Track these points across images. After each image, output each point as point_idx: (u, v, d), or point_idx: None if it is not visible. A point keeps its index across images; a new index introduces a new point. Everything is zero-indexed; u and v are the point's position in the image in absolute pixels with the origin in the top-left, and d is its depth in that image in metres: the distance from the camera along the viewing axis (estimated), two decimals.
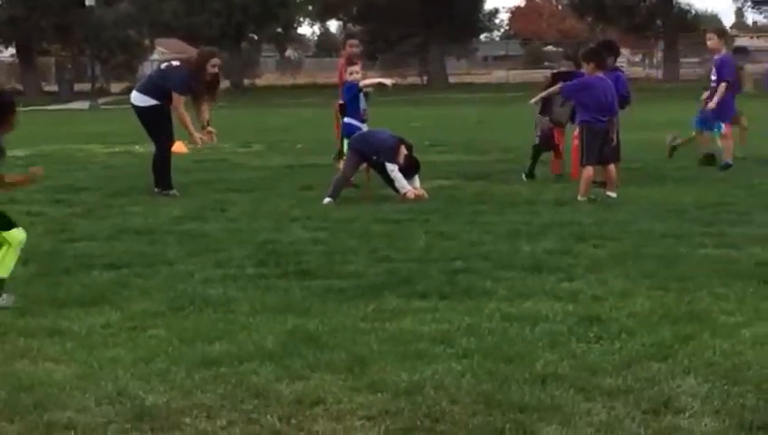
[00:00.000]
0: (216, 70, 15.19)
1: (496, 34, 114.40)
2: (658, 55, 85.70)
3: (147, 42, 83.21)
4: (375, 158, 14.21)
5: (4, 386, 6.14)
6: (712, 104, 16.89)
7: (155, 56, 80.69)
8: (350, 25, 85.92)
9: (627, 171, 15.34)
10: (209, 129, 15.40)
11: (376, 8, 79.76)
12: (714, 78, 17.18)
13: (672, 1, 79.41)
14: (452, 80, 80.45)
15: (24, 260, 9.24)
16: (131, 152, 22.69)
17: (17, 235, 8.38)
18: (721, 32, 18.78)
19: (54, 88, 76.27)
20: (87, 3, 64.37)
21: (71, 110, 54.52)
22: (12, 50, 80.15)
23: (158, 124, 15.13)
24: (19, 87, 74.61)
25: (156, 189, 14.99)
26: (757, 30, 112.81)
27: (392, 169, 13.93)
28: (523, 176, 16.21)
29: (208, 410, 5.72)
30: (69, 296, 8.40)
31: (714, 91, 17.08)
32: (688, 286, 8.41)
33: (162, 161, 15.13)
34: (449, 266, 9.38)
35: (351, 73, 15.11)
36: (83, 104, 57.97)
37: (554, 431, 5.34)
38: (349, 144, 14.63)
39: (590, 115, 13.60)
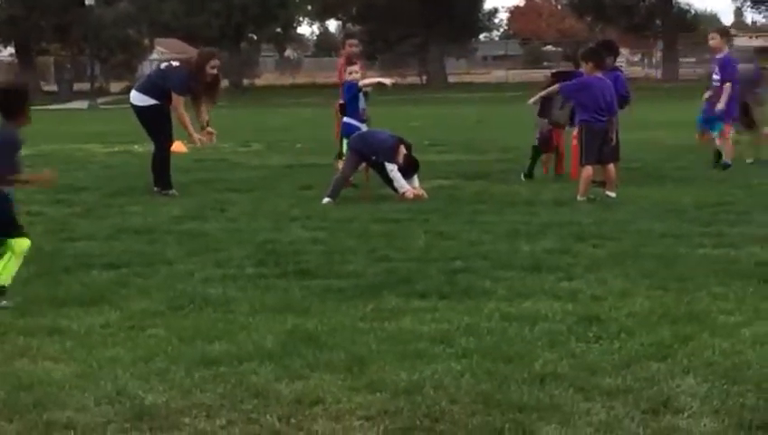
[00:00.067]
0: (215, 71, 15.18)
1: (496, 34, 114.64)
2: (658, 55, 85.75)
3: (146, 41, 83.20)
4: (374, 158, 14.21)
5: (4, 385, 6.14)
6: (721, 105, 16.89)
7: (154, 56, 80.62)
8: (349, 25, 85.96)
9: (626, 171, 15.35)
10: (209, 129, 15.40)
11: (375, 8, 79.82)
12: (716, 78, 17.17)
13: (671, 1, 79.46)
14: (451, 79, 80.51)
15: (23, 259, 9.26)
16: (131, 152, 22.69)
17: (23, 243, 8.37)
18: (723, 31, 18.77)
19: (54, 88, 76.30)
20: (86, 2, 64.44)
21: (70, 109, 54.54)
22: (11, 49, 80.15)
23: (157, 124, 15.13)
24: None
25: (155, 189, 14.99)
26: (756, 30, 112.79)
27: (391, 168, 13.93)
28: (522, 176, 16.21)
29: (208, 409, 5.72)
30: (68, 296, 8.40)
31: (716, 90, 17.08)
32: (688, 286, 8.41)
33: (161, 161, 15.13)
34: (448, 266, 9.38)
35: (351, 73, 15.12)
36: (83, 104, 58.01)
37: (553, 431, 5.34)
38: (348, 144, 14.63)
39: (590, 115, 13.60)
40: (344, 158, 14.69)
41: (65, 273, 9.33)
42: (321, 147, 21.21)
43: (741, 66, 17.57)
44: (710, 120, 17.35)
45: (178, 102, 14.97)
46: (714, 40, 17.67)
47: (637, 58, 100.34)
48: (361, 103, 15.12)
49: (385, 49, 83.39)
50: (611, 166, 13.80)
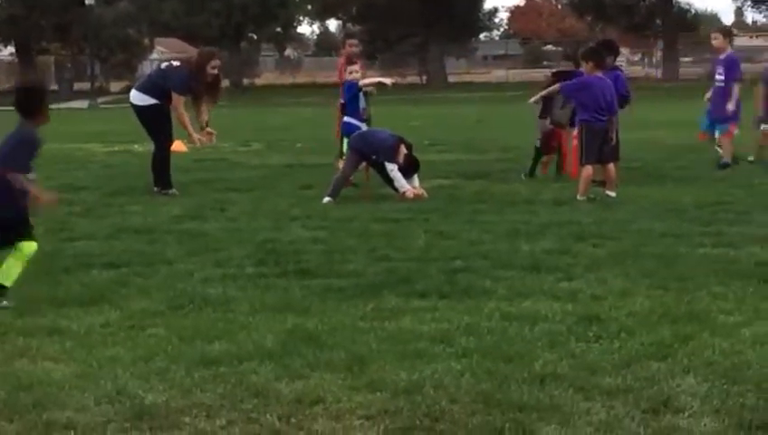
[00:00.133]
0: (215, 71, 15.18)
1: (496, 34, 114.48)
2: (658, 55, 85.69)
3: (146, 41, 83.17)
4: (375, 157, 14.21)
5: (4, 385, 6.13)
6: (731, 106, 16.90)
7: (154, 55, 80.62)
8: (349, 25, 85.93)
9: (626, 171, 15.34)
10: (208, 129, 15.40)
11: (375, 8, 79.79)
12: (721, 77, 17.16)
13: (672, 0, 79.41)
14: (451, 79, 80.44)
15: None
16: (131, 151, 22.69)
17: (29, 246, 8.35)
18: (726, 31, 18.74)
19: (54, 87, 76.12)
20: (86, 2, 64.42)
21: (70, 109, 54.49)
22: (11, 49, 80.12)
23: (157, 123, 15.12)
24: None
25: (155, 188, 14.99)
26: (757, 29, 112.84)
27: (392, 168, 13.92)
28: (523, 176, 16.21)
29: (208, 409, 5.72)
30: (68, 295, 8.39)
31: (720, 90, 17.08)
32: (688, 286, 8.41)
33: (161, 160, 15.13)
34: (448, 266, 9.38)
35: (351, 73, 15.12)
36: (83, 103, 57.98)
37: (553, 431, 5.34)
38: (348, 143, 14.63)
39: (590, 114, 13.59)
40: (344, 157, 14.69)
41: (65, 272, 9.33)
42: (322, 146, 21.20)
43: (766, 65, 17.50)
44: (718, 121, 17.28)
45: (178, 102, 14.97)
46: (716, 40, 17.67)
47: (637, 58, 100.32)
48: (361, 103, 15.12)
49: (385, 49, 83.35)
50: (611, 165, 13.80)
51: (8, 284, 8.22)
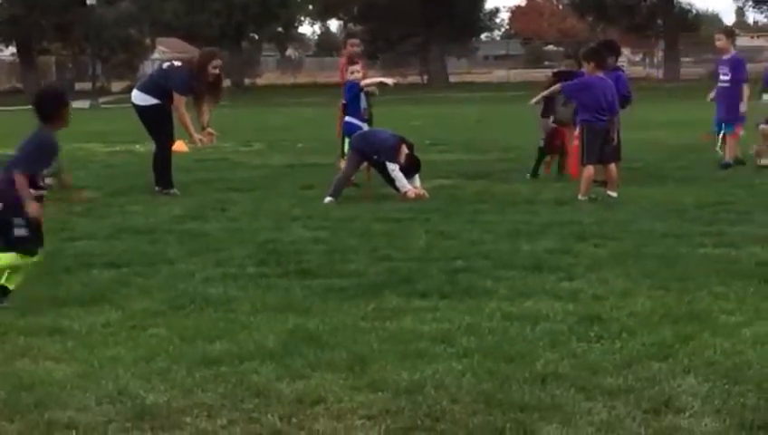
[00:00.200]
0: (217, 71, 15.19)
1: (497, 34, 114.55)
2: (659, 55, 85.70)
3: (147, 41, 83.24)
4: (376, 157, 14.22)
5: (5, 385, 6.14)
6: (743, 106, 16.91)
7: (156, 55, 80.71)
8: (350, 25, 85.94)
9: (627, 171, 15.34)
10: (209, 130, 15.40)
11: (376, 7, 79.83)
12: (726, 78, 17.16)
13: (673, 0, 79.42)
14: (452, 79, 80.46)
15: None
16: (132, 151, 22.70)
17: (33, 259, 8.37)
18: (729, 32, 18.74)
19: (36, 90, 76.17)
20: (88, 1, 64.46)
21: (71, 108, 54.48)
22: (12, 49, 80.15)
23: (158, 123, 15.13)
24: (19, 86, 74.64)
25: (156, 188, 14.99)
26: (758, 29, 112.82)
27: (393, 168, 13.93)
28: (528, 175, 16.20)
29: (209, 409, 5.72)
30: (69, 295, 8.40)
31: (725, 91, 17.08)
32: (689, 286, 8.41)
33: (163, 160, 15.14)
34: (450, 266, 9.38)
35: (352, 73, 15.12)
36: (84, 103, 57.96)
37: (555, 431, 5.34)
38: (349, 143, 14.63)
39: (591, 115, 13.59)
40: (346, 157, 14.70)
41: (66, 272, 9.33)
42: (323, 146, 21.22)
43: None
44: (725, 121, 17.26)
45: (180, 102, 14.98)
46: (720, 41, 17.68)
47: (638, 58, 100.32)
48: (363, 103, 15.12)
49: (386, 48, 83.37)
50: (613, 166, 13.79)
51: (12, 286, 8.22)
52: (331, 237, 11.07)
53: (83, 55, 79.23)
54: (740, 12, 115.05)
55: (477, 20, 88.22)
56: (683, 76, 71.21)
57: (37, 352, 6.87)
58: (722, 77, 17.35)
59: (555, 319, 7.45)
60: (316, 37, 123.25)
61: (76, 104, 57.77)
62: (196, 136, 15.25)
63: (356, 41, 16.76)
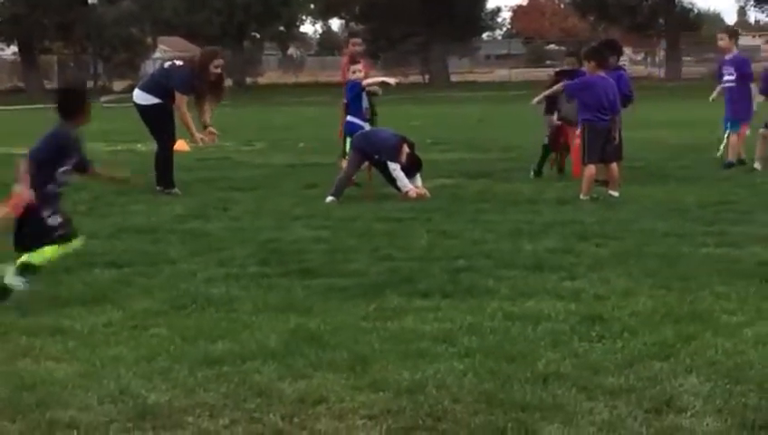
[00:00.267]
0: (219, 70, 15.21)
1: (498, 33, 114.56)
2: (661, 54, 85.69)
3: (149, 40, 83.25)
4: (377, 157, 14.22)
5: (7, 385, 6.14)
6: (754, 105, 16.92)
7: (157, 54, 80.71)
8: (352, 24, 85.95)
9: (629, 170, 15.34)
10: (211, 129, 15.40)
11: (378, 7, 79.82)
12: (731, 78, 17.16)
13: (674, 0, 79.39)
14: (454, 78, 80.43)
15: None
16: (133, 150, 22.68)
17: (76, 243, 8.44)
18: (732, 32, 18.74)
19: (56, 86, 76.26)
20: (89, 1, 64.47)
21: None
22: (14, 48, 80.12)
23: (160, 123, 15.13)
24: (21, 85, 74.64)
25: (158, 188, 14.99)
26: (760, 29, 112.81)
27: (394, 167, 13.93)
28: (531, 173, 16.19)
29: (211, 408, 5.72)
30: (71, 295, 8.41)
31: (732, 90, 17.08)
32: (690, 286, 8.41)
33: (164, 160, 15.14)
34: (451, 265, 9.38)
35: (354, 72, 15.12)
36: None
37: (556, 430, 5.34)
38: (351, 143, 14.63)
39: (592, 114, 13.59)
40: (347, 157, 14.70)
41: (67, 272, 9.32)
42: (324, 146, 21.20)
43: None
44: (732, 121, 17.24)
45: (181, 101, 14.99)
46: (722, 41, 17.68)
47: (640, 57, 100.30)
48: (364, 102, 15.11)
49: (388, 48, 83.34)
50: (614, 165, 13.79)
51: (37, 262, 8.24)
52: (333, 237, 11.07)
53: (85, 54, 79.30)
54: (741, 11, 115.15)
55: (479, 19, 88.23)
56: (684, 75, 71.22)
57: (39, 352, 6.87)
58: (727, 77, 17.35)
59: (557, 319, 7.45)
60: (318, 36, 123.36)
61: None
62: (198, 135, 15.25)
63: (358, 40, 16.76)
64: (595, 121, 13.58)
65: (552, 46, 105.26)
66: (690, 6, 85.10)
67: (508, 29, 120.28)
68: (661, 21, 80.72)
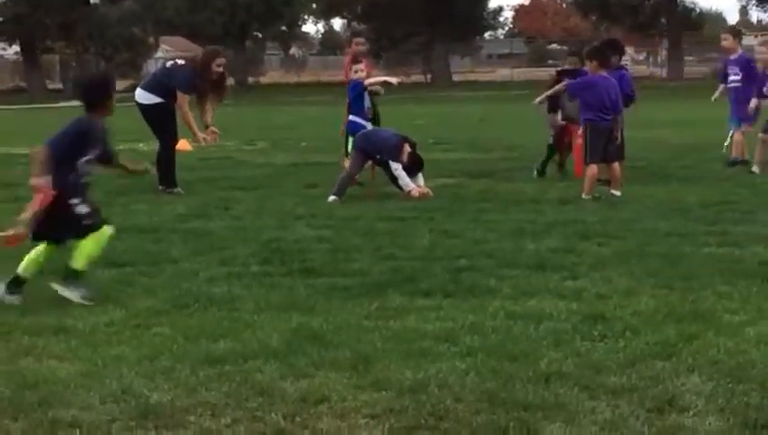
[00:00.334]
0: (221, 69, 15.21)
1: (500, 32, 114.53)
2: (663, 54, 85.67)
3: (151, 39, 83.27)
4: (379, 157, 14.22)
5: (9, 384, 6.14)
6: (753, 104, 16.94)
7: (159, 54, 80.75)
8: (354, 24, 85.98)
9: (631, 170, 15.34)
10: (213, 128, 15.41)
11: (380, 6, 79.82)
12: (737, 77, 17.16)
13: None
14: (456, 78, 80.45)
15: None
16: (135, 150, 22.66)
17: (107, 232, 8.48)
18: (736, 32, 18.75)
19: (59, 86, 76.31)
20: (91, 0, 64.44)
21: (75, 107, 54.46)
22: (16, 47, 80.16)
23: (162, 122, 15.14)
24: (23, 85, 74.66)
25: (160, 187, 14.99)
26: (762, 28, 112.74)
27: (396, 167, 13.94)
28: (535, 173, 16.18)
29: (213, 408, 5.73)
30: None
31: (739, 90, 17.08)
32: (693, 285, 8.41)
33: (166, 159, 15.14)
34: (453, 265, 9.38)
35: (356, 72, 15.12)
36: None
37: (558, 430, 5.34)
38: (353, 143, 14.64)
39: (594, 114, 13.60)
40: (349, 156, 14.71)
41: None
42: (327, 145, 21.23)
43: None
44: (739, 120, 17.24)
45: (183, 101, 15.00)
46: (726, 41, 17.69)
47: (642, 57, 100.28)
48: (366, 102, 15.11)
49: (390, 47, 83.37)
50: (616, 164, 13.79)
51: (80, 266, 8.28)
52: (335, 236, 11.07)
53: (87, 54, 79.23)
54: (743, 11, 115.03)
55: (481, 18, 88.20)
56: (687, 75, 71.20)
57: (41, 351, 6.87)
58: (732, 77, 17.35)
59: (559, 318, 7.45)
60: (320, 36, 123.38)
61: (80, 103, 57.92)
62: (200, 134, 15.26)
63: (361, 40, 16.77)
64: (597, 121, 13.58)
65: (554, 46, 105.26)
66: (692, 6, 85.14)
67: (510, 28, 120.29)
68: (663, 20, 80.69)
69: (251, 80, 79.93)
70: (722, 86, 18.09)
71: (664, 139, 22.81)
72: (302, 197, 14.33)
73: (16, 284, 8.30)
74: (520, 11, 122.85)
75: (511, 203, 13.36)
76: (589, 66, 13.85)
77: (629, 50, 77.24)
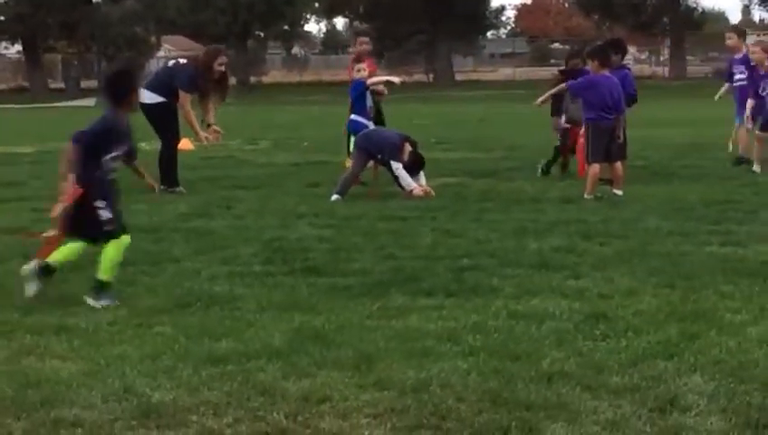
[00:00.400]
0: (223, 68, 15.22)
1: (503, 32, 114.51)
2: (665, 53, 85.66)
3: (153, 39, 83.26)
4: (380, 156, 14.22)
5: (12, 383, 6.14)
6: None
7: (161, 53, 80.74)
8: (356, 23, 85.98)
9: (633, 169, 15.34)
10: (215, 127, 15.41)
11: (382, 6, 79.80)
12: (742, 76, 17.17)
13: None
14: (458, 77, 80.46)
15: (30, 257, 9.28)
16: (138, 149, 22.67)
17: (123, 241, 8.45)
18: (740, 31, 18.76)
19: (61, 85, 76.38)
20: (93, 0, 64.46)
21: (77, 107, 54.57)
22: (18, 47, 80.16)
23: (164, 121, 15.14)
24: (25, 84, 74.69)
25: (162, 186, 14.97)
26: (764, 27, 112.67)
27: (397, 167, 13.94)
28: (539, 171, 16.16)
29: (215, 407, 5.73)
30: (75, 294, 8.40)
31: (743, 89, 17.08)
32: (694, 284, 8.41)
33: (168, 158, 15.14)
34: (456, 264, 9.38)
35: (359, 71, 15.12)
36: (90, 101, 58.04)
37: (560, 429, 5.34)
38: (355, 142, 14.64)
39: (596, 113, 13.59)
40: (350, 155, 14.72)
41: (72, 271, 9.32)
42: (329, 145, 21.23)
43: None
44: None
45: (185, 100, 15.00)
46: (731, 40, 17.70)
47: (644, 56, 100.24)
48: (368, 101, 15.12)
49: (392, 47, 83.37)
50: (618, 164, 13.79)
51: (106, 277, 8.25)
52: (337, 236, 11.07)
53: (89, 53, 79.30)
54: (746, 10, 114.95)
55: (483, 18, 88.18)
56: (689, 74, 71.20)
57: (43, 351, 6.88)
58: (738, 75, 17.35)
59: (561, 317, 7.45)
60: (322, 35, 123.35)
61: (82, 102, 57.82)
62: (202, 134, 15.27)
63: (366, 39, 16.79)
64: (599, 121, 13.58)
65: (556, 45, 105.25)
66: (694, 5, 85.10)
67: (512, 28, 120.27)
68: (665, 20, 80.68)
69: (253, 79, 79.92)
70: (727, 85, 18.11)
71: (666, 138, 22.80)
72: (304, 196, 14.33)
73: (45, 271, 8.29)
74: (522, 10, 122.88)
75: (513, 202, 13.36)
76: (590, 66, 13.85)
77: (632, 49, 77.26)
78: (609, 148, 13.61)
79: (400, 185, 14.00)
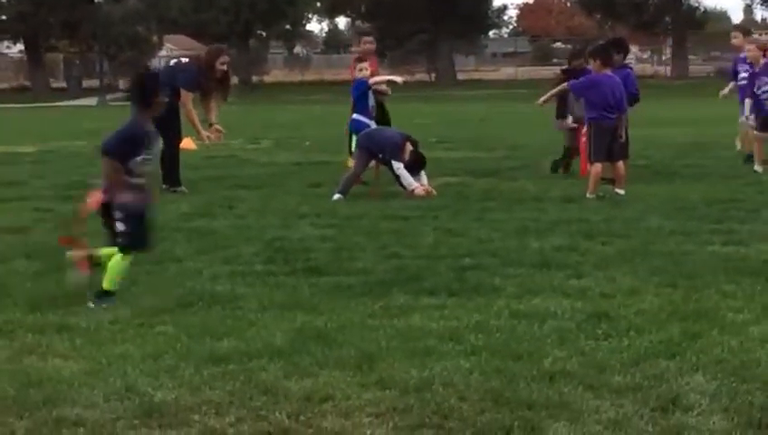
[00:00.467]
0: (224, 67, 15.21)
1: (505, 31, 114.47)
2: (667, 52, 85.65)
3: (155, 38, 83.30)
4: (381, 156, 14.22)
5: (14, 382, 6.14)
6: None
7: (163, 53, 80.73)
8: (358, 22, 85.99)
9: (635, 168, 15.33)
10: (217, 127, 15.41)
11: (384, 5, 79.86)
12: (746, 75, 17.16)
13: None
14: (460, 76, 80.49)
15: (32, 256, 9.31)
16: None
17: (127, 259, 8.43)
18: (745, 30, 18.76)
19: (62, 84, 76.43)
20: None
21: (79, 106, 54.60)
22: (20, 46, 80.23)
23: (166, 121, 15.01)
24: (27, 84, 74.72)
25: (164, 186, 14.99)
26: (766, 27, 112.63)
27: (398, 166, 13.93)
28: (548, 170, 16.17)
29: (217, 406, 5.73)
30: (77, 293, 8.39)
31: (745, 88, 17.08)
32: (696, 284, 8.40)
33: (170, 158, 15.12)
34: (458, 263, 9.38)
35: (360, 70, 15.12)
36: (91, 100, 58.10)
37: (562, 429, 5.34)
38: (356, 142, 14.64)
39: (598, 113, 13.59)
40: (352, 154, 14.72)
41: (73, 270, 9.32)
42: (330, 144, 21.23)
43: None
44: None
45: (187, 99, 15.00)
46: (736, 39, 17.70)
47: (646, 55, 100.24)
48: (370, 101, 15.12)
49: (394, 46, 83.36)
50: (621, 163, 13.79)
51: (110, 287, 8.24)
52: (339, 235, 11.07)
53: (91, 53, 79.30)
54: (748, 9, 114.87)
55: (485, 17, 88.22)
56: (691, 73, 71.22)
57: (45, 350, 6.88)
58: (743, 74, 17.34)
59: (563, 317, 7.45)
60: (324, 35, 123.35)
61: (84, 101, 57.81)
62: (204, 133, 15.26)
63: (369, 38, 16.78)
64: (601, 120, 13.57)
65: (558, 44, 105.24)
66: (696, 4, 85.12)
67: (514, 27, 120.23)
68: (668, 19, 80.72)
69: (255, 78, 79.97)
70: (732, 83, 18.11)
71: (668, 137, 22.80)
72: (306, 196, 14.33)
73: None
74: (524, 9, 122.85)
75: (515, 202, 13.36)
76: (592, 65, 13.85)
77: (634, 48, 77.27)
78: (611, 147, 13.61)
79: (402, 184, 14.00)
